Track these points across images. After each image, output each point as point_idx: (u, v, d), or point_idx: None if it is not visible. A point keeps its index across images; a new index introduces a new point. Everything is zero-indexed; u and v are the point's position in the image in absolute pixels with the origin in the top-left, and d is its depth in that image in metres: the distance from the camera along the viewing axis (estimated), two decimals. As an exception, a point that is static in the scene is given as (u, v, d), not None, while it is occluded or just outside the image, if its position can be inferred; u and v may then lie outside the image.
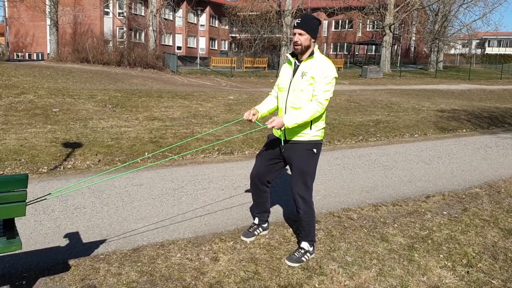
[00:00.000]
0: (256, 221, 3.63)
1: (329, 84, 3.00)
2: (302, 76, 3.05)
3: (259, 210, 3.58)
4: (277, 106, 3.33)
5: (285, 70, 3.22)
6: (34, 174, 5.37)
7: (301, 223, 3.25)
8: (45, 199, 2.72)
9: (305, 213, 3.18)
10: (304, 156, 3.13)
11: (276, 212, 4.22)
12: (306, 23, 3.01)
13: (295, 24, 3.03)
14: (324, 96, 3.00)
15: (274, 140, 3.31)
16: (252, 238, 3.56)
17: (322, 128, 3.18)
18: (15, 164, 5.60)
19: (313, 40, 3.07)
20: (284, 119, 2.99)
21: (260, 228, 3.63)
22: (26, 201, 2.34)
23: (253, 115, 3.25)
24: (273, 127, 3.00)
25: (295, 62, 3.16)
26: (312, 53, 3.08)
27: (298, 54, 3.12)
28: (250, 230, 3.61)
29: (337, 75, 3.05)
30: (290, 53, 3.23)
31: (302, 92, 3.05)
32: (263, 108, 3.36)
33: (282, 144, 3.20)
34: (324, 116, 3.17)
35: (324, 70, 3.00)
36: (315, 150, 3.14)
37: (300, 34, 3.01)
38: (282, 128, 3.14)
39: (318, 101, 2.99)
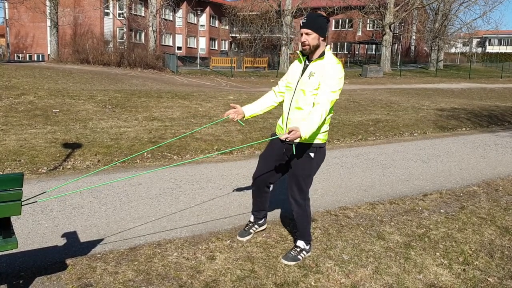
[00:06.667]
0: (252, 218, 3.63)
1: (336, 85, 2.89)
2: (309, 77, 2.98)
3: (257, 208, 3.57)
4: (268, 104, 3.31)
5: (295, 67, 3.15)
6: (34, 174, 5.38)
7: (296, 223, 3.27)
8: (35, 201, 2.74)
9: (298, 215, 3.19)
10: (301, 160, 3.09)
11: (274, 210, 4.23)
12: (312, 22, 2.92)
13: (301, 24, 2.94)
14: (328, 96, 2.87)
15: (277, 140, 3.22)
16: (249, 237, 3.56)
17: (325, 131, 3.10)
18: (15, 164, 5.62)
19: (322, 39, 2.96)
20: (301, 131, 2.77)
21: (256, 226, 3.63)
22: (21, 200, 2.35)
23: (238, 114, 3.22)
24: (288, 139, 2.79)
25: (305, 61, 3.08)
26: (323, 54, 2.98)
27: (307, 54, 3.03)
28: (245, 229, 3.62)
29: (343, 75, 2.93)
30: (300, 51, 3.11)
31: (308, 93, 2.98)
32: (256, 107, 3.31)
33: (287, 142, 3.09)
34: (328, 119, 3.08)
35: (330, 73, 2.89)
36: (312, 154, 3.07)
37: (307, 33, 2.91)
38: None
39: (321, 102, 2.87)
